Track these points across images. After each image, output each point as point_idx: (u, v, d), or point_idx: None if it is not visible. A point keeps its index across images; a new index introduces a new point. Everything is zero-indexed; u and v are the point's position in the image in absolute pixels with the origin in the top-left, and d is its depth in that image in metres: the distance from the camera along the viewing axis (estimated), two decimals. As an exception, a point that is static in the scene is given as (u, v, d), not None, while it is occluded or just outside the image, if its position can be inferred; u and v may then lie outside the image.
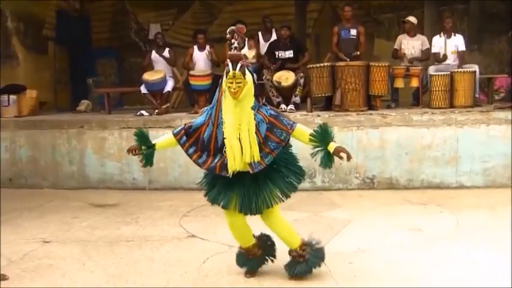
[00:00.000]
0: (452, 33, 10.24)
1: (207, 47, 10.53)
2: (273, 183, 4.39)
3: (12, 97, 10.45)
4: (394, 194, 8.17)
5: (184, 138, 4.40)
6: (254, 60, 10.20)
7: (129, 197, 8.46)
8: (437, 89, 9.41)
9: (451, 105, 9.33)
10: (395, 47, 10.59)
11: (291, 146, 4.52)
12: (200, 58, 10.48)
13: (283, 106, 9.50)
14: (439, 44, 10.22)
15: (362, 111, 9.05)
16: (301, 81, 9.65)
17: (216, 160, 4.30)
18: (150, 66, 10.82)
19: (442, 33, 10.27)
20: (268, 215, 4.51)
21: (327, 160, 4.25)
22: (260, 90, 4.51)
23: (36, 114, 10.78)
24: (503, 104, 9.30)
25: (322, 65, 9.48)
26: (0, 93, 10.45)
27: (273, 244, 4.88)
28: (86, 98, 13.04)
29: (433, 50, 10.28)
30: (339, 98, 9.16)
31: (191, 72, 10.13)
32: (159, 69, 10.49)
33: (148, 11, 14.95)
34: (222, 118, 4.22)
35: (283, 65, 10.05)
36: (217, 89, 4.31)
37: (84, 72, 14.34)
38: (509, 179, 8.47)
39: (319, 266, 4.68)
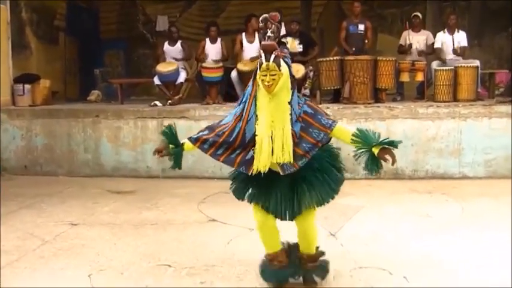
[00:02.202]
0: (456, 30, 10.55)
1: (219, 39, 10.81)
2: (309, 189, 4.07)
3: (27, 86, 10.65)
4: (400, 184, 8.47)
5: (208, 143, 4.06)
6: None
7: (145, 185, 8.70)
8: (441, 83, 9.73)
9: (455, 99, 9.65)
10: (401, 42, 10.90)
11: (334, 147, 4.25)
12: (212, 50, 10.74)
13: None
14: (440, 39, 10.55)
15: (369, 103, 9.37)
16: (311, 74, 9.93)
17: (235, 154, 4.00)
18: (161, 58, 11.07)
19: (445, 29, 10.58)
20: (303, 217, 4.20)
21: (372, 164, 3.88)
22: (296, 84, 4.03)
23: (49, 103, 11.00)
24: (504, 99, 9.62)
25: (331, 58, 9.80)
26: (15, 82, 10.68)
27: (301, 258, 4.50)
28: (94, 88, 13.27)
29: (436, 45, 10.59)
30: (348, 90, 9.48)
31: (203, 64, 10.41)
32: (172, 61, 10.75)
33: (156, 3, 15.20)
34: (254, 113, 3.89)
35: (293, 58, 10.33)
36: (251, 82, 3.95)
37: (93, 63, 14.57)
38: (509, 170, 8.77)
39: (324, 278, 4.51)
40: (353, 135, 3.90)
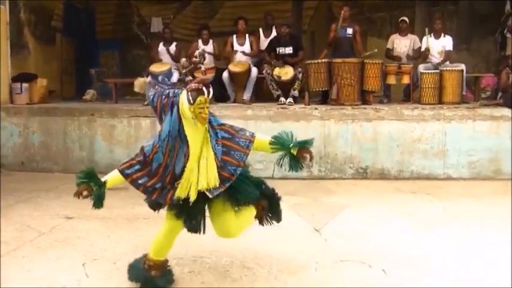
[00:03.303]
0: (442, 34, 10.82)
1: (211, 41, 11.08)
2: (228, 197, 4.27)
3: (24, 85, 10.86)
4: (385, 184, 8.73)
5: (133, 169, 4.10)
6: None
7: (137, 182, 8.92)
8: (427, 86, 10.05)
9: (440, 102, 9.94)
10: (388, 46, 11.17)
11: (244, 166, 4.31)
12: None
13: (282, 99, 10.05)
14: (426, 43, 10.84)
15: (356, 105, 9.64)
16: (300, 76, 10.18)
17: (166, 190, 4.11)
18: (157, 58, 11.32)
19: (432, 34, 10.86)
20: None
21: (294, 164, 4.19)
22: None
23: (46, 102, 11.21)
24: (488, 102, 9.91)
25: (319, 61, 10.07)
26: (13, 81, 10.91)
27: (171, 272, 4.68)
28: (90, 87, 13.48)
29: (422, 49, 10.87)
30: (335, 92, 9.75)
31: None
32: (165, 62, 10.99)
33: (150, 5, 15.40)
34: (181, 147, 3.98)
35: (283, 60, 10.61)
36: (175, 119, 3.94)
37: (88, 63, 14.81)
38: (493, 172, 9.08)
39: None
40: (270, 143, 4.19)
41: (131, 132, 9.73)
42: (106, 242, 5.73)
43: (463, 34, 13.46)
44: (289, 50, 10.67)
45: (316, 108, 9.38)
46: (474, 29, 13.57)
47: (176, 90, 4.08)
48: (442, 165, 9.12)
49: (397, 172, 9.13)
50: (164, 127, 4.01)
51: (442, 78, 10.04)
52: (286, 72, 10.17)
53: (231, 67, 10.54)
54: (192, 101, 3.87)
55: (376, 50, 10.78)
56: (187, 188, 4.02)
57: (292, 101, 10.05)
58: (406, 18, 11.21)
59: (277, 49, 10.67)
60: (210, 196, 4.10)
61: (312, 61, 10.10)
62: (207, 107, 3.92)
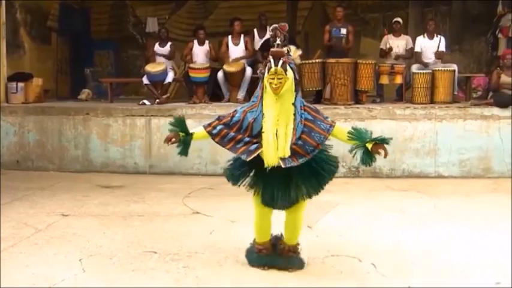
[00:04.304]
0: (435, 35, 10.94)
1: (207, 42, 11.18)
2: (304, 182, 4.47)
3: (20, 84, 10.95)
4: (377, 182, 8.84)
5: (218, 129, 4.49)
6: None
7: (132, 180, 9.03)
8: (419, 86, 10.14)
9: (432, 101, 10.05)
10: (382, 46, 11.27)
11: (327, 148, 4.59)
12: (199, 52, 11.12)
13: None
14: (420, 44, 10.94)
15: (350, 105, 9.74)
16: (294, 75, 10.26)
17: (240, 144, 4.41)
18: (152, 58, 11.41)
19: (425, 34, 10.98)
20: (294, 208, 4.64)
21: (367, 157, 4.39)
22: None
23: (42, 101, 11.28)
24: (479, 101, 10.02)
25: (313, 61, 10.16)
26: (8, 80, 10.98)
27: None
28: (85, 87, 13.57)
29: (416, 50, 10.98)
30: (329, 92, 9.85)
31: (191, 65, 10.78)
32: (161, 62, 11.09)
33: (146, 5, 15.37)
34: (261, 111, 4.32)
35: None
36: (259, 85, 4.41)
37: (83, 63, 14.93)
38: (483, 170, 9.22)
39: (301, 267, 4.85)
40: (349, 133, 4.39)
41: (126, 131, 9.82)
42: (102, 238, 5.81)
43: (456, 35, 13.57)
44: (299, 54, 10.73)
45: (309, 108, 9.46)
46: (466, 29, 13.68)
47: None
48: (433, 164, 9.24)
49: (388, 170, 9.23)
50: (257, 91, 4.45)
51: (434, 78, 10.15)
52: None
53: (226, 67, 10.64)
54: (266, 71, 4.24)
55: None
56: (270, 154, 4.31)
57: (285, 101, 10.09)
58: (399, 19, 11.33)
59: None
60: (283, 166, 4.29)
61: (306, 61, 10.18)
62: (278, 78, 4.18)
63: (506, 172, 9.17)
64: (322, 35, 11.16)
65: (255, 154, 4.36)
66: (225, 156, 9.32)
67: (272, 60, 4.24)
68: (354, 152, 4.45)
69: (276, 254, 4.87)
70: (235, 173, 4.68)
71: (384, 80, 10.65)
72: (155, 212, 6.92)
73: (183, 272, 4.83)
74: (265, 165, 4.35)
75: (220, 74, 10.72)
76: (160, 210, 7.01)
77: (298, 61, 4.75)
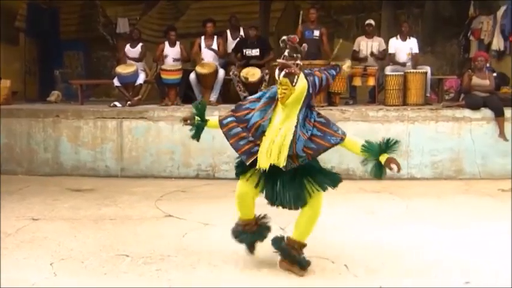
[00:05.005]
0: (408, 36, 10.99)
1: (178, 43, 11.07)
2: (312, 176, 4.59)
3: (-13, 86, 10.80)
4: (350, 184, 8.76)
5: (228, 120, 4.60)
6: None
7: (103, 183, 8.92)
8: (391, 88, 10.15)
9: (404, 103, 10.07)
10: (355, 48, 11.28)
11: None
12: (171, 54, 11.00)
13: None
14: (393, 45, 10.98)
15: (322, 106, 9.70)
16: (267, 77, 10.25)
17: (244, 142, 4.50)
18: (123, 60, 11.28)
19: (398, 36, 11.02)
20: (310, 204, 4.69)
21: (377, 170, 4.49)
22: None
23: (10, 103, 11.06)
24: (451, 103, 10.07)
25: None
26: (-25, 82, 10.79)
27: (268, 228, 5.10)
28: (54, 89, 13.38)
29: (390, 51, 11.02)
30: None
31: (163, 67, 10.66)
32: (132, 63, 10.97)
33: (116, 5, 15.30)
34: (270, 117, 4.42)
35: (249, 62, 10.67)
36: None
37: (52, 64, 14.72)
38: (455, 172, 9.27)
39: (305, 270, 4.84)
40: (363, 146, 4.51)
41: (97, 133, 9.70)
42: (73, 242, 5.71)
43: (428, 37, 13.69)
44: (256, 52, 10.73)
45: (282, 110, 9.43)
46: (439, 31, 13.81)
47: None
48: (406, 166, 9.24)
49: (362, 172, 9.19)
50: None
51: (406, 80, 10.17)
52: (253, 74, 10.22)
53: (198, 68, 10.54)
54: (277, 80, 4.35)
55: (340, 41, 10.97)
56: (262, 159, 4.43)
57: (258, 102, 10.05)
58: (372, 21, 11.35)
59: (244, 51, 10.72)
60: (284, 169, 4.42)
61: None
62: (283, 88, 4.27)
63: (477, 174, 9.25)
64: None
65: (253, 158, 4.47)
66: (197, 159, 9.40)
67: (276, 71, 4.32)
68: (364, 163, 4.55)
69: (260, 233, 5.04)
70: (239, 170, 4.82)
71: (357, 82, 10.66)
72: (127, 216, 6.83)
73: (155, 275, 4.77)
74: (258, 166, 4.46)
75: (192, 76, 10.63)
76: (132, 214, 6.93)
77: (347, 70, 4.81)
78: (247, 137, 4.51)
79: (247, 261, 5.08)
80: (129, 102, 10.36)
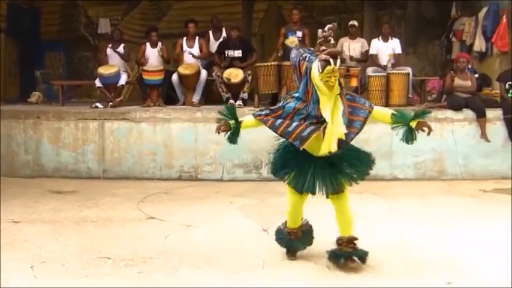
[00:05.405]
0: (390, 37, 11.02)
1: (159, 44, 11.01)
2: (348, 166, 4.77)
3: (-33, 87, 10.68)
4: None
5: (268, 117, 4.65)
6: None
7: (85, 185, 8.85)
8: (374, 89, 10.17)
9: (387, 104, 10.04)
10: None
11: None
12: (152, 54, 10.90)
13: (231, 101, 10.03)
14: (375, 46, 11.00)
15: (305, 107, 9.72)
16: (249, 78, 10.22)
17: (292, 127, 4.52)
18: (105, 60, 11.18)
19: (380, 37, 11.05)
20: (337, 198, 4.88)
21: (409, 134, 4.65)
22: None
23: (-12, 105, 11.00)
24: (433, 104, 10.11)
25: (269, 64, 10.09)
26: (-46, 83, 10.66)
27: (312, 232, 5.31)
28: (35, 90, 13.25)
29: (371, 52, 11.04)
30: (285, 95, 9.82)
31: (144, 68, 10.58)
32: (114, 64, 10.87)
33: (97, 6, 15.17)
34: (317, 101, 4.42)
35: (231, 63, 10.64)
36: (306, 82, 4.46)
37: (33, 65, 14.57)
38: (437, 173, 9.31)
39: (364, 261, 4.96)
40: (392, 114, 4.67)
41: (78, 135, 9.63)
42: (54, 244, 5.65)
43: (410, 38, 13.70)
44: (238, 53, 10.68)
45: (265, 111, 9.42)
46: (421, 33, 13.85)
47: (311, 57, 4.46)
48: (389, 166, 9.28)
49: (344, 173, 9.22)
50: (301, 87, 4.56)
51: (388, 81, 10.19)
52: (235, 75, 10.18)
53: (181, 69, 10.48)
54: (320, 70, 4.33)
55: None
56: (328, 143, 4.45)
57: (241, 104, 10.06)
58: (355, 22, 11.37)
59: (226, 52, 10.68)
60: (338, 150, 4.50)
61: (262, 64, 10.13)
62: (334, 76, 4.35)
63: (459, 174, 9.31)
64: (277, 38, 11.09)
65: (309, 140, 4.46)
66: (180, 160, 9.35)
67: (331, 60, 4.33)
68: (397, 131, 4.69)
69: (304, 241, 5.22)
70: (276, 167, 4.95)
71: (340, 82, 10.64)
72: (109, 217, 6.78)
73: (137, 278, 4.74)
74: (320, 153, 4.51)
75: (174, 77, 10.57)
76: (114, 216, 6.88)
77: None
78: (292, 123, 4.53)
79: (230, 263, 5.06)
80: (110, 103, 10.27)
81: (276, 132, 4.64)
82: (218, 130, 4.80)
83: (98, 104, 10.23)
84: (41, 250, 5.45)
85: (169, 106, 10.26)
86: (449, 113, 9.39)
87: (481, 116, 9.28)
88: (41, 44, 15.07)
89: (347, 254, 4.90)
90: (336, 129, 4.42)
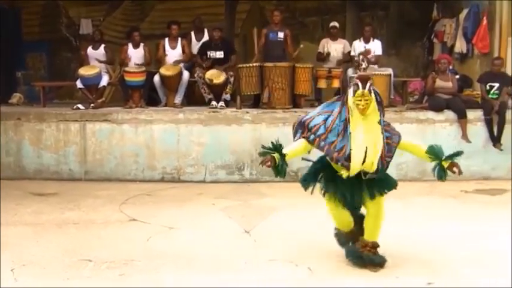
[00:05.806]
0: (372, 39, 11.06)
1: (142, 44, 10.96)
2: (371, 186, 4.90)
3: None
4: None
5: (313, 136, 4.77)
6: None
7: (67, 187, 8.80)
8: (356, 90, 10.19)
9: (369, 106, 10.12)
10: (319, 50, 11.29)
11: None
12: (134, 55, 10.81)
13: (213, 103, 10.02)
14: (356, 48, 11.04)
15: (287, 108, 9.75)
16: (231, 79, 10.21)
17: (335, 149, 4.66)
18: (86, 61, 11.11)
19: (361, 38, 11.09)
20: (374, 202, 5.02)
21: (441, 172, 4.88)
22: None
23: (-31, 106, 10.90)
24: (414, 105, 10.18)
25: (251, 65, 10.10)
26: None
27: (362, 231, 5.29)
28: (16, 91, 13.15)
29: (352, 53, 11.06)
30: (267, 96, 9.84)
31: (126, 69, 10.51)
32: (94, 65, 10.81)
33: (79, 6, 15.06)
34: (349, 130, 4.61)
35: (213, 64, 10.62)
36: (342, 107, 4.71)
37: (14, 66, 14.42)
38: (419, 173, 9.34)
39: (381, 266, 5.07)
40: (427, 151, 4.88)
41: (60, 136, 9.58)
42: (35, 247, 5.64)
43: (392, 39, 13.77)
44: (220, 54, 10.66)
45: (247, 112, 9.44)
46: (403, 34, 13.91)
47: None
48: (371, 167, 9.29)
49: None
50: (341, 114, 4.72)
51: (370, 82, 10.22)
52: (218, 76, 10.17)
53: (163, 71, 10.45)
54: (353, 94, 4.57)
55: (302, 46, 11.11)
56: (353, 168, 4.65)
57: (223, 105, 10.04)
58: (336, 24, 11.39)
59: (208, 53, 10.67)
60: (364, 178, 4.76)
61: (244, 65, 10.14)
62: (365, 100, 4.54)
63: (441, 175, 9.31)
64: (259, 39, 11.09)
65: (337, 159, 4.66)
66: (162, 161, 9.34)
67: (360, 84, 4.56)
68: (435, 170, 4.92)
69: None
70: (308, 179, 5.20)
71: (322, 84, 10.65)
72: (91, 220, 6.76)
73: (119, 280, 4.73)
74: (348, 174, 4.69)
75: (156, 78, 10.53)
76: (96, 218, 6.86)
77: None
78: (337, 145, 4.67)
79: (212, 265, 5.08)
80: (92, 105, 10.21)
81: (326, 154, 4.76)
82: (263, 164, 4.76)
83: (80, 106, 10.17)
84: (21, 253, 5.41)
85: (151, 107, 10.23)
86: (431, 114, 9.44)
87: (462, 116, 9.35)
88: (22, 45, 14.90)
89: (369, 258, 5.03)
90: (368, 157, 4.59)
